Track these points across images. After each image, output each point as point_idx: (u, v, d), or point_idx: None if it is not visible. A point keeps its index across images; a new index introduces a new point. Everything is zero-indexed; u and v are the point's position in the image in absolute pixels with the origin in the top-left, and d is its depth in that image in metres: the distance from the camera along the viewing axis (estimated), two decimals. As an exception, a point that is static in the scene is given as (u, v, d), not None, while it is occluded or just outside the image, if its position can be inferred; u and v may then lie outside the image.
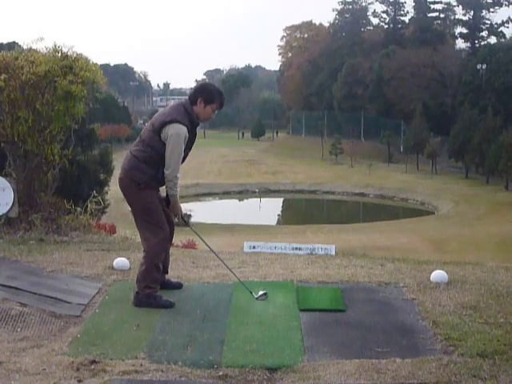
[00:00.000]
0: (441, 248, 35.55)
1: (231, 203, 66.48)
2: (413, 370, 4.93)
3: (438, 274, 7.57)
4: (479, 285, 7.43)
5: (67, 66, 10.10)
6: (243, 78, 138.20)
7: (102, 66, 11.06)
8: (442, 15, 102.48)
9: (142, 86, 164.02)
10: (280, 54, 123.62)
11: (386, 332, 5.88)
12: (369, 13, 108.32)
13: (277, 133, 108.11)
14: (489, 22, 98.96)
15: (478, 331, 5.77)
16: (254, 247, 10.57)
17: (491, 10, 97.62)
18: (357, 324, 6.11)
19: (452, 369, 4.93)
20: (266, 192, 68.52)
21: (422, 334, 5.82)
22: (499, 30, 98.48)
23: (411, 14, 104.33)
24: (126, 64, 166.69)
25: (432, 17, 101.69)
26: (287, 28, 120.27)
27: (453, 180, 68.33)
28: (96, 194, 11.89)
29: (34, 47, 10.57)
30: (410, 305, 6.68)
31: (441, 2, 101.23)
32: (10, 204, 9.93)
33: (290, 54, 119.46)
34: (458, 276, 7.82)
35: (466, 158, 69.20)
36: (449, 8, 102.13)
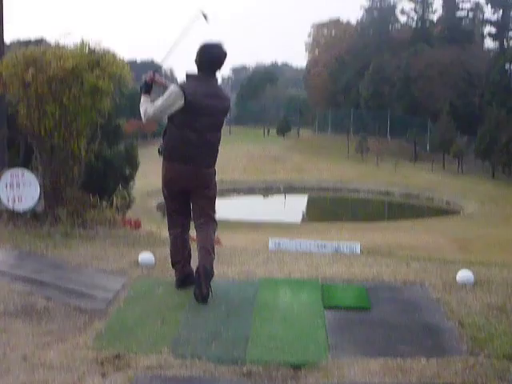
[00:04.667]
0: (466, 248, 35.36)
1: (256, 200, 66.53)
2: (438, 370, 4.89)
3: (463, 274, 7.49)
4: (506, 286, 7.34)
5: (94, 61, 10.13)
6: (269, 75, 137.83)
7: (128, 62, 11.08)
8: (470, 14, 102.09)
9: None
10: (307, 51, 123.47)
11: (411, 331, 5.84)
12: (397, 11, 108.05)
13: (298, 131, 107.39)
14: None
15: (504, 333, 5.71)
16: (278, 244, 10.55)
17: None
18: (382, 323, 6.08)
19: (478, 370, 4.88)
20: (291, 189, 68.54)
21: (448, 334, 5.77)
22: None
23: (439, 12, 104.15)
24: (152, 61, 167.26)
25: (460, 16, 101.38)
26: (314, 25, 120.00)
27: (479, 180, 67.94)
28: (122, 189, 11.90)
29: (61, 43, 10.61)
30: (436, 304, 6.63)
31: (469, 1, 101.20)
32: (37, 198, 9.99)
33: (316, 52, 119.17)
34: (484, 276, 7.74)
35: (492, 157, 68.84)
36: (477, 7, 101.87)
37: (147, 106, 6.73)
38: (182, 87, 6.58)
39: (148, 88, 6.92)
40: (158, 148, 6.82)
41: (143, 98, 6.83)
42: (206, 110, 6.66)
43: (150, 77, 6.97)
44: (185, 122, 6.62)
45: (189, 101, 6.53)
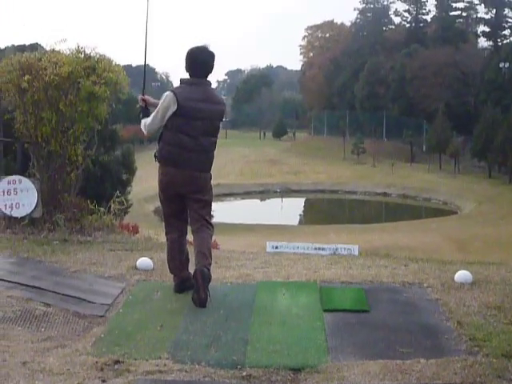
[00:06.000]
0: (464, 248, 35.37)
1: (253, 203, 66.54)
2: (437, 370, 4.90)
3: (462, 274, 7.51)
4: (504, 285, 7.36)
5: (90, 66, 10.13)
6: (264, 78, 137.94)
7: (124, 66, 11.08)
8: (464, 14, 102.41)
9: (163, 87, 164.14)
10: (301, 53, 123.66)
11: (411, 332, 5.84)
12: (390, 12, 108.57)
13: (294, 134, 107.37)
14: (511, 20, 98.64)
15: (502, 332, 5.72)
16: (276, 247, 10.56)
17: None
18: (381, 324, 6.08)
19: (477, 369, 4.89)
20: (288, 192, 68.55)
21: (447, 334, 5.78)
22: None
23: (433, 12, 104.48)
24: (147, 65, 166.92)
25: (454, 15, 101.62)
26: (309, 28, 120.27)
27: (476, 179, 68.01)
28: (119, 194, 11.90)
29: (56, 48, 10.60)
30: (434, 305, 6.64)
31: (463, 1, 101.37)
32: (34, 204, 9.99)
33: (311, 54, 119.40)
34: (482, 276, 7.76)
35: (488, 157, 68.85)
36: (471, 6, 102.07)
37: (146, 120, 6.89)
38: (175, 92, 6.64)
39: (146, 112, 7.05)
40: (155, 153, 6.86)
41: (143, 120, 6.98)
42: (200, 115, 6.67)
43: (142, 99, 7.10)
44: (178, 127, 6.65)
45: (181, 105, 6.56)
